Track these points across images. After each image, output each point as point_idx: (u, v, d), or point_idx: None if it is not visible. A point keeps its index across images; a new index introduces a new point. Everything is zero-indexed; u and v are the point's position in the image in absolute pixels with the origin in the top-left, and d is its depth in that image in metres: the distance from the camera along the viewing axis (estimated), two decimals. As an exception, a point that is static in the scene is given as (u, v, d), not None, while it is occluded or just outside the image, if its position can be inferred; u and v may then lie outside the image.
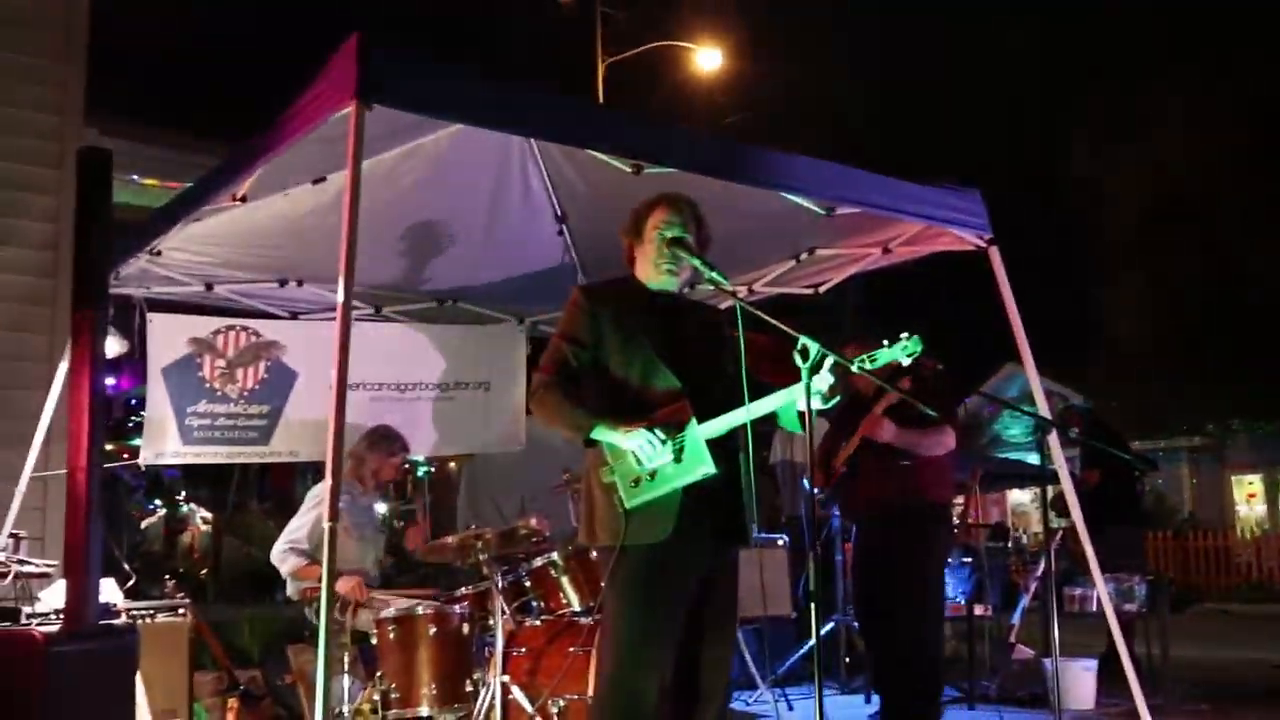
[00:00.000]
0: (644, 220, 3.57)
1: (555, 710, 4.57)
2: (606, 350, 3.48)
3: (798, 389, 3.27)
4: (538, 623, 4.88)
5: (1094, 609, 6.43)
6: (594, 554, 4.78)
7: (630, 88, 17.66)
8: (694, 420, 3.32)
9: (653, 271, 3.56)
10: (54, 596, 4.41)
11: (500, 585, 4.85)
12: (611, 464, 3.36)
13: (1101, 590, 4.99)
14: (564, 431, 3.47)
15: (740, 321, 3.55)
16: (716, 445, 3.32)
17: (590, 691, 4.40)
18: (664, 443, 3.27)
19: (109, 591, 4.74)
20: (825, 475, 5.30)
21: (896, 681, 5.23)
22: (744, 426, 3.37)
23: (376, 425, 5.70)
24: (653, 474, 3.30)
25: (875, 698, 5.72)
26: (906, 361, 3.29)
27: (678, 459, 3.29)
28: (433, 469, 12.54)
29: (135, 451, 6.08)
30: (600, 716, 3.37)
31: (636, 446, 3.28)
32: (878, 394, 4.92)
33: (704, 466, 3.29)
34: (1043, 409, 4.85)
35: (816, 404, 3.26)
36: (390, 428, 5.71)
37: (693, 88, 18.49)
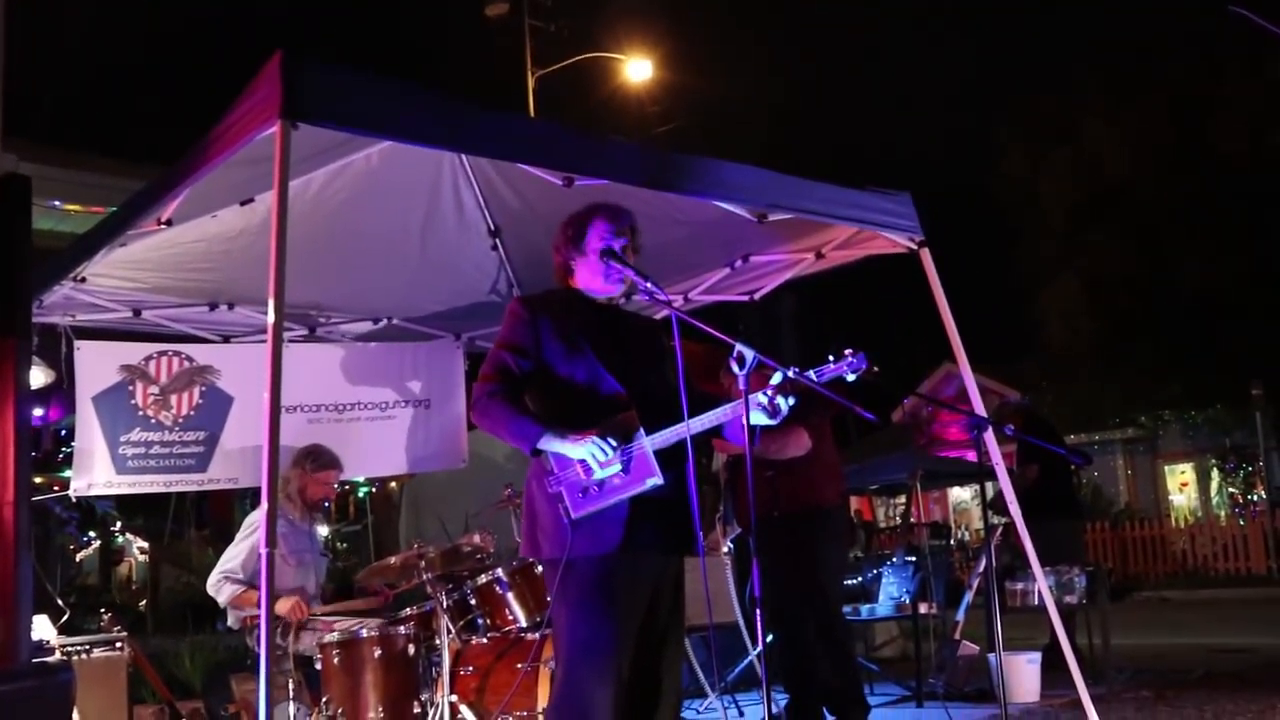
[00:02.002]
0: (584, 231, 3.54)
1: (505, 728, 4.54)
2: (549, 359, 3.46)
3: (752, 399, 3.29)
4: (485, 640, 4.84)
5: (1035, 602, 6.51)
6: (538, 568, 4.79)
7: (561, 100, 17.68)
8: (642, 431, 3.31)
9: (600, 282, 3.54)
10: (-15, 635, 4.31)
11: (445, 604, 4.81)
12: (558, 474, 3.33)
13: (1041, 583, 5.07)
14: (509, 441, 3.44)
15: (676, 331, 3.57)
16: (663, 455, 3.32)
17: (540, 707, 4.39)
18: (613, 452, 3.26)
19: (42, 629, 4.64)
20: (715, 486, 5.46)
21: (803, 682, 5.42)
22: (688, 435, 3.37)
23: (305, 445, 5.62)
24: (600, 484, 3.28)
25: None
26: (851, 378, 3.35)
27: (626, 470, 3.28)
28: (374, 489, 12.45)
29: (66, 483, 5.95)
30: None
31: (587, 456, 3.27)
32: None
33: (653, 478, 3.28)
34: (978, 407, 4.91)
35: (763, 418, 3.30)
36: (319, 446, 5.62)
37: (623, 98, 18.55)
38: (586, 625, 3.29)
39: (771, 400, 3.31)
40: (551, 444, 3.32)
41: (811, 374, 3.30)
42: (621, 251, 3.51)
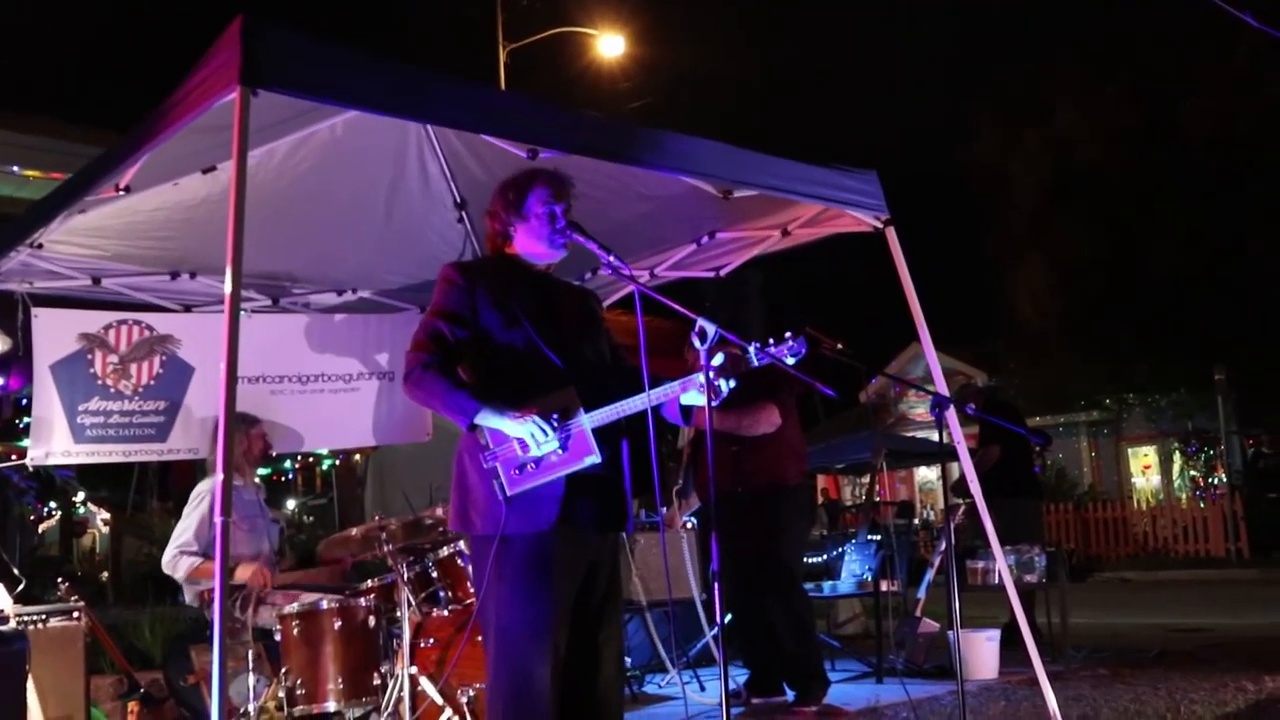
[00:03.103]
0: (525, 196, 3.49)
1: (465, 700, 4.54)
2: (485, 328, 3.39)
3: (692, 379, 3.29)
4: (446, 613, 4.84)
5: (995, 581, 6.58)
6: (461, 544, 4.79)
7: (533, 76, 17.58)
8: (581, 408, 3.28)
9: (544, 248, 3.49)
10: (-62, 606, 4.27)
11: (406, 576, 4.80)
12: (494, 449, 3.28)
13: (1001, 562, 5.11)
14: (444, 414, 3.38)
15: (639, 307, 3.56)
16: (599, 432, 3.28)
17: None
18: (553, 431, 3.22)
19: (-3, 597, 4.59)
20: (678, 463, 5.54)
21: (762, 655, 5.51)
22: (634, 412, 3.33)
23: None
24: (538, 462, 3.24)
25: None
26: (791, 362, 3.34)
27: (564, 447, 3.25)
28: (338, 461, 12.37)
29: (24, 452, 5.89)
30: (497, 709, 3.28)
31: (526, 435, 3.22)
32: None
33: (591, 456, 3.25)
34: (941, 387, 4.93)
35: (700, 399, 3.29)
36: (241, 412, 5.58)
37: (596, 74, 18.46)
38: (524, 602, 3.24)
39: (712, 382, 3.29)
40: (490, 420, 3.26)
41: (751, 354, 3.28)
42: (563, 217, 3.47)
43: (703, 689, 6.32)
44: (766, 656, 5.68)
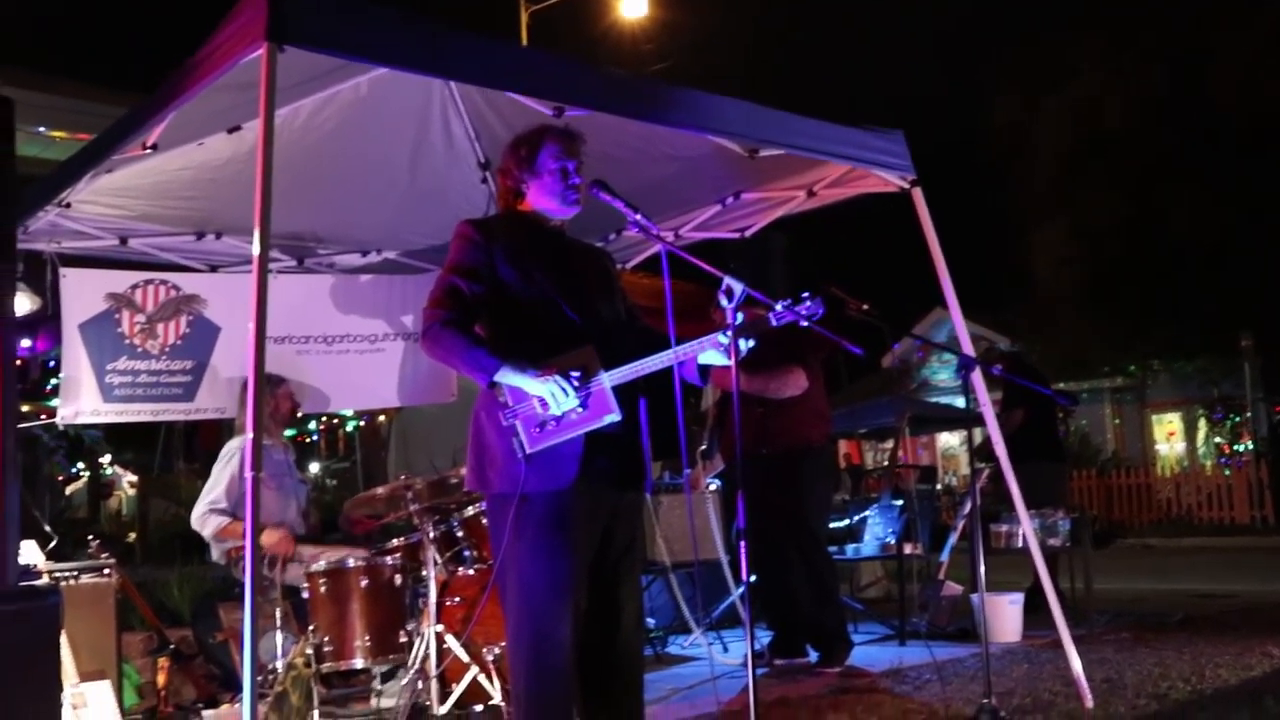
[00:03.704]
0: (537, 152, 3.47)
1: (490, 657, 4.58)
2: (502, 284, 3.36)
3: (712, 338, 3.28)
4: (471, 572, 4.87)
5: (1019, 544, 6.58)
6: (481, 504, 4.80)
7: (554, 37, 17.47)
8: (600, 367, 3.27)
9: (557, 204, 3.47)
10: (-28, 561, 4.32)
11: (432, 535, 4.83)
12: (513, 407, 3.26)
13: (1026, 525, 5.09)
14: (463, 371, 3.37)
15: (665, 267, 3.56)
16: (618, 390, 3.27)
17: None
18: (574, 390, 3.21)
19: (30, 553, 4.64)
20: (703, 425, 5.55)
21: (785, 617, 5.53)
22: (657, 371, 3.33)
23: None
24: (558, 420, 3.23)
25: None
26: (805, 325, 3.36)
27: (584, 405, 3.23)
28: (362, 423, 12.44)
29: (53, 412, 5.94)
30: (518, 669, 3.30)
31: (547, 394, 3.20)
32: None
33: (611, 414, 3.24)
34: (967, 348, 4.90)
35: (720, 358, 3.30)
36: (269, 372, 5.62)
37: (618, 36, 18.33)
38: (543, 561, 3.24)
39: (734, 342, 3.27)
40: (510, 377, 3.24)
41: (777, 310, 3.28)
42: (576, 173, 3.45)
43: (726, 650, 6.36)
44: (789, 618, 5.71)
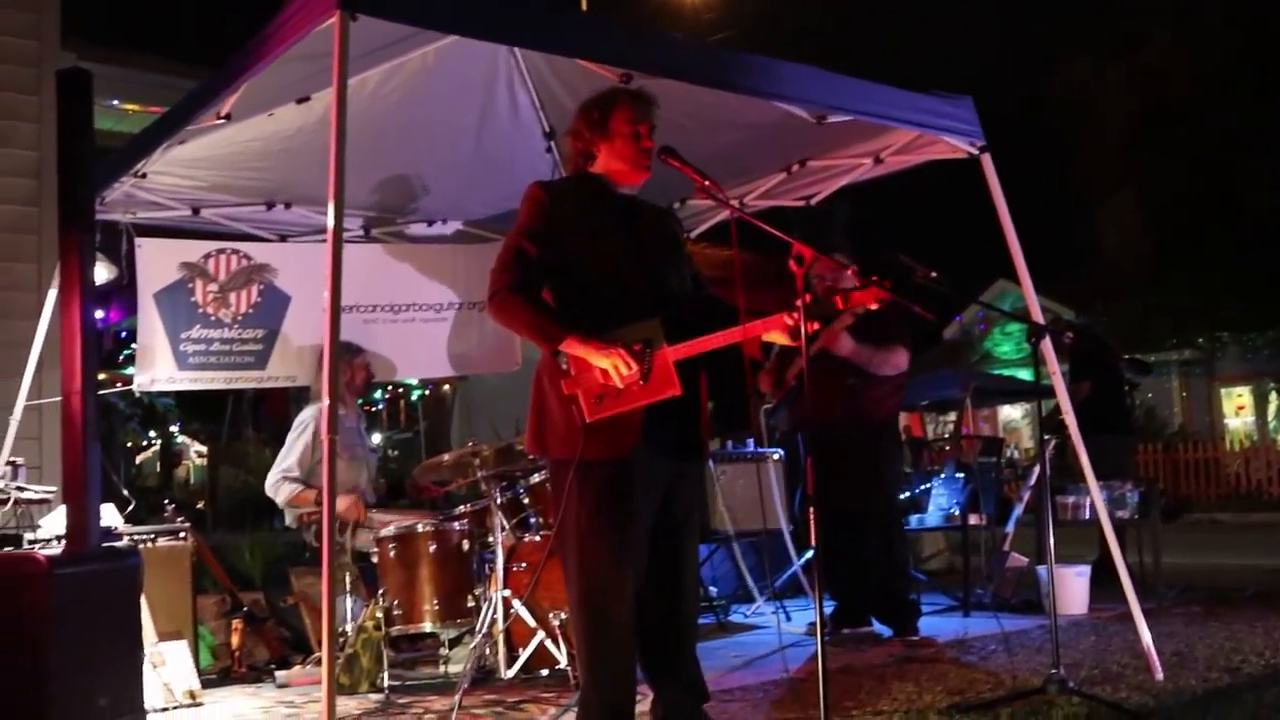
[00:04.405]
0: (609, 115, 3.42)
1: (556, 622, 4.63)
2: (570, 249, 3.34)
3: (777, 318, 3.27)
4: (537, 538, 4.92)
5: (1086, 516, 6.50)
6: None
7: (614, 5, 17.39)
8: (664, 340, 3.25)
9: (629, 169, 3.43)
10: (54, 523, 4.44)
11: (499, 501, 4.88)
12: (575, 376, 3.25)
13: (1096, 495, 5.01)
14: (528, 338, 3.36)
15: (734, 234, 3.54)
16: (680, 360, 3.27)
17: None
18: (636, 364, 3.20)
19: (109, 516, 4.76)
20: (775, 386, 5.50)
21: (852, 586, 5.49)
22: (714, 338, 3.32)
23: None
24: (618, 392, 3.22)
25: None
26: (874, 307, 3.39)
27: (645, 378, 3.22)
28: (427, 392, 12.56)
29: (128, 380, 6.07)
30: (579, 631, 3.34)
31: (609, 367, 3.19)
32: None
33: (671, 389, 3.23)
34: (1036, 316, 4.84)
35: (783, 339, 3.31)
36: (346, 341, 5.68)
37: (678, 5, 18.22)
38: (603, 527, 3.26)
39: (798, 323, 3.26)
40: (575, 347, 3.22)
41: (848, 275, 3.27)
42: (648, 137, 3.42)
43: (789, 619, 6.35)
44: (856, 588, 5.67)
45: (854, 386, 5.49)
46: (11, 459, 5.00)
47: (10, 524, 4.23)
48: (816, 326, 3.36)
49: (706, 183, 3.38)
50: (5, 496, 4.13)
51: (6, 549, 4.03)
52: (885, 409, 5.63)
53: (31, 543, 4.22)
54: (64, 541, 3.84)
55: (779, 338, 3.35)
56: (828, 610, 5.83)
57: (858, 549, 5.52)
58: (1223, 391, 24.05)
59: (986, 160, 4.85)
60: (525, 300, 3.31)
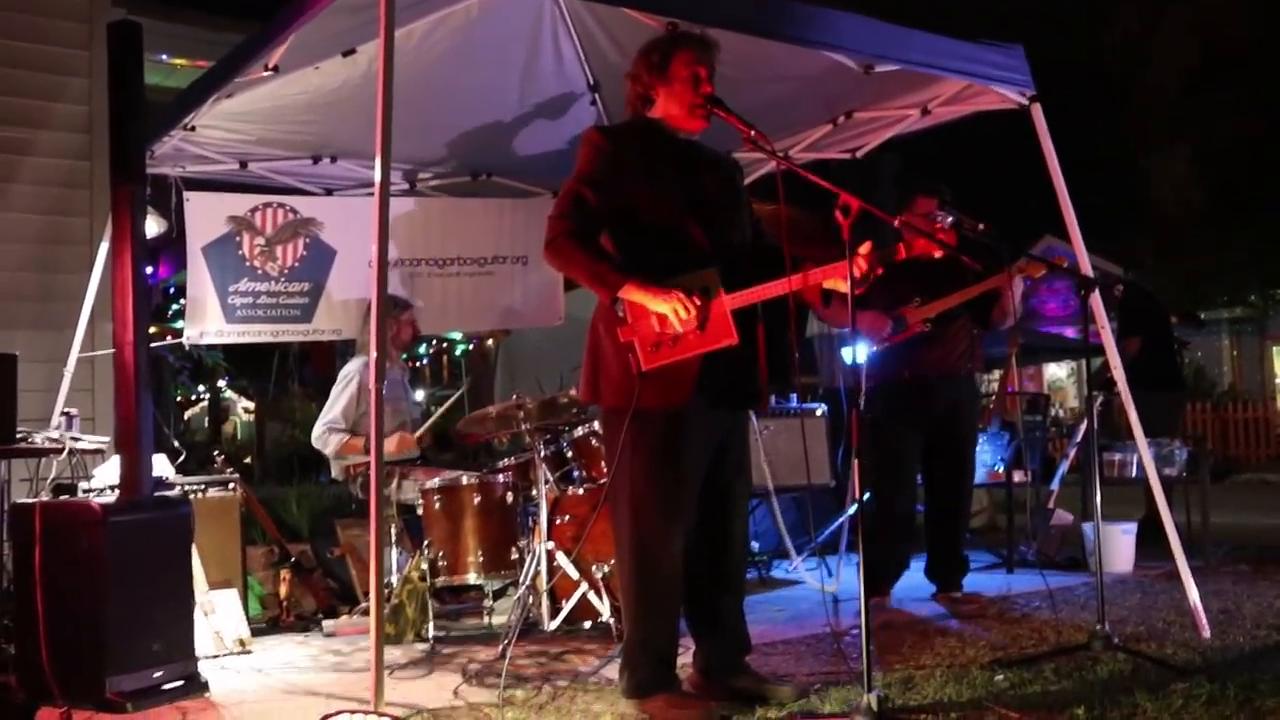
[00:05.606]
0: (670, 58, 3.40)
1: (600, 575, 4.67)
2: (629, 195, 3.32)
3: (839, 265, 3.24)
4: (580, 491, 4.95)
5: (1133, 474, 6.44)
6: (596, 424, 4.82)
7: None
8: (722, 289, 3.24)
9: (686, 115, 3.41)
10: (108, 473, 4.51)
11: (543, 454, 4.91)
12: (631, 323, 3.25)
13: (1144, 452, 4.95)
14: (585, 284, 3.35)
15: (780, 187, 3.50)
16: (737, 310, 3.25)
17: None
18: (695, 310, 3.19)
19: (161, 466, 4.83)
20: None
21: (947, 532, 5.42)
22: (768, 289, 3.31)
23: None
24: (675, 340, 3.21)
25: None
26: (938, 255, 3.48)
27: (702, 327, 3.21)
28: (470, 346, 12.62)
29: (178, 333, 6.14)
30: (627, 580, 3.36)
31: (668, 312, 3.18)
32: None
33: (728, 338, 3.22)
34: (1086, 269, 4.77)
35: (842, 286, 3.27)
36: (392, 295, 5.73)
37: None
38: (656, 477, 3.27)
39: (865, 273, 3.25)
40: (633, 293, 3.22)
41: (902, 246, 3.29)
42: (708, 81, 3.38)
43: (830, 575, 6.35)
44: (901, 547, 5.57)
45: (977, 338, 5.43)
46: (66, 410, 5.09)
47: (65, 474, 4.31)
48: (881, 271, 3.33)
49: (753, 133, 3.35)
50: (60, 446, 4.20)
51: (63, 497, 4.11)
52: (976, 360, 5.52)
53: (86, 492, 4.30)
54: (118, 490, 3.91)
55: (839, 285, 3.32)
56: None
57: (911, 504, 5.48)
58: (1275, 350, 23.65)
59: (1037, 111, 4.76)
60: (583, 246, 3.29)
